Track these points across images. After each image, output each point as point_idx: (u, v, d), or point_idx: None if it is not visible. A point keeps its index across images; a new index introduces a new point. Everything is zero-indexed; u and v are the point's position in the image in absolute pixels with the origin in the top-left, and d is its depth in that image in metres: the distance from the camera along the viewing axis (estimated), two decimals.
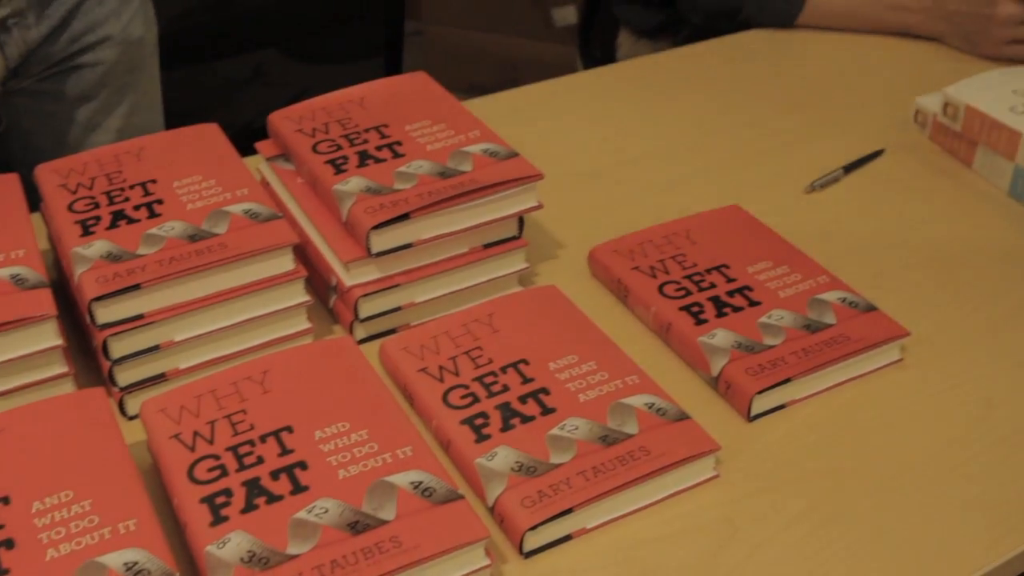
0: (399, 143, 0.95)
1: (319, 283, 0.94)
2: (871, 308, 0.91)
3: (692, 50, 1.47)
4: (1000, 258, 1.04)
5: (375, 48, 2.79)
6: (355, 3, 2.69)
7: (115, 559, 0.64)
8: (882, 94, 1.34)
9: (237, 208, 0.88)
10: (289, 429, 0.75)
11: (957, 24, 1.48)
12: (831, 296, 0.92)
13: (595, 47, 2.13)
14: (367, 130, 0.97)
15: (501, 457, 0.75)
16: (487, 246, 0.93)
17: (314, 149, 0.95)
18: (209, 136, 0.99)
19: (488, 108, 1.29)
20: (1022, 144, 1.11)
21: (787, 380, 0.83)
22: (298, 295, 0.88)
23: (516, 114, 1.29)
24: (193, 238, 0.84)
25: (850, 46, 1.47)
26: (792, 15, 1.53)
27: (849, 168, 1.17)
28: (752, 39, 1.50)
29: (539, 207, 0.93)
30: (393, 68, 2.22)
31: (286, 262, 0.86)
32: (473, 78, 3.26)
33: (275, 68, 2.73)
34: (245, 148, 1.03)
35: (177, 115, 1.90)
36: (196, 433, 0.75)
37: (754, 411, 0.84)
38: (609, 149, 1.21)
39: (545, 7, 3.08)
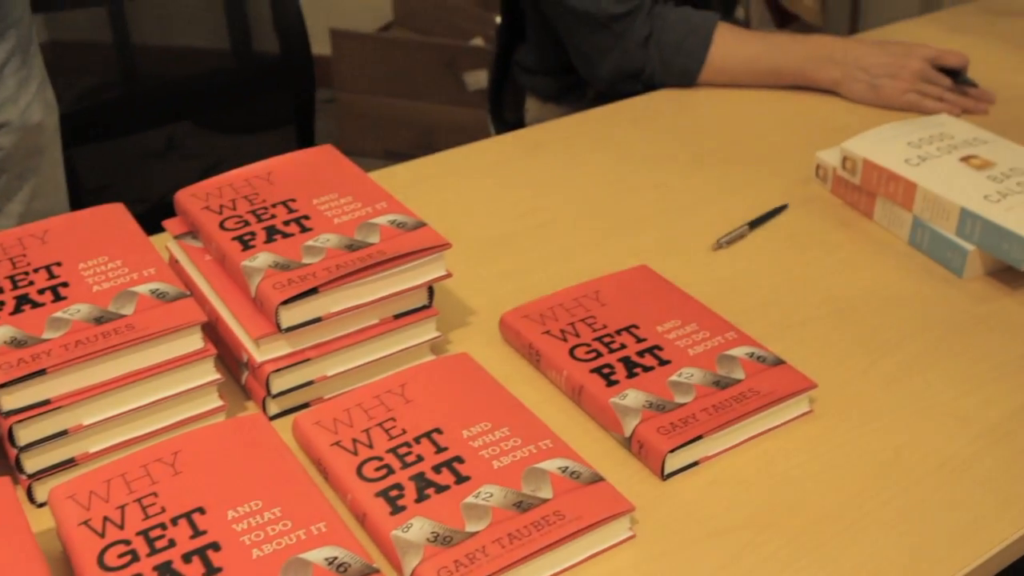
0: (307, 217, 0.95)
1: (230, 360, 0.94)
2: (779, 362, 0.93)
3: (599, 112, 1.50)
4: (902, 306, 1.07)
5: (288, 117, 2.79)
6: (266, 73, 2.70)
7: None
8: (784, 149, 1.37)
9: (144, 288, 0.87)
10: (201, 510, 0.74)
11: (865, 72, 1.51)
12: (739, 352, 0.93)
13: (506, 110, 2.15)
14: (274, 205, 0.98)
15: (416, 528, 0.75)
16: (397, 316, 0.93)
17: (221, 226, 0.95)
18: (114, 216, 0.98)
19: (401, 176, 1.30)
20: (919, 194, 1.15)
21: (699, 437, 0.84)
22: (208, 373, 0.87)
23: (429, 180, 1.30)
24: (99, 320, 0.84)
25: (752, 103, 1.51)
26: (693, 72, 1.56)
27: (754, 224, 1.19)
28: (657, 99, 1.53)
29: (448, 276, 0.94)
30: (306, 136, 2.22)
31: (195, 341, 0.86)
32: (388, 144, 3.28)
33: (188, 140, 2.72)
34: (161, 221, 1.03)
35: (90, 191, 1.89)
36: (106, 518, 0.74)
37: (667, 469, 0.84)
38: (519, 213, 1.22)
39: (457, 72, 3.12)
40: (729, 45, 1.56)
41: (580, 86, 1.87)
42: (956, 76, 1.51)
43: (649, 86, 1.58)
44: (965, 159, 1.19)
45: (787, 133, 1.42)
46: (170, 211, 1.03)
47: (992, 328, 1.04)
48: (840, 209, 1.24)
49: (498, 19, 2.08)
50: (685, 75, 1.57)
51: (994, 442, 0.89)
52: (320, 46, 3.27)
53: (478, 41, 3.15)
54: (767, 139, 1.41)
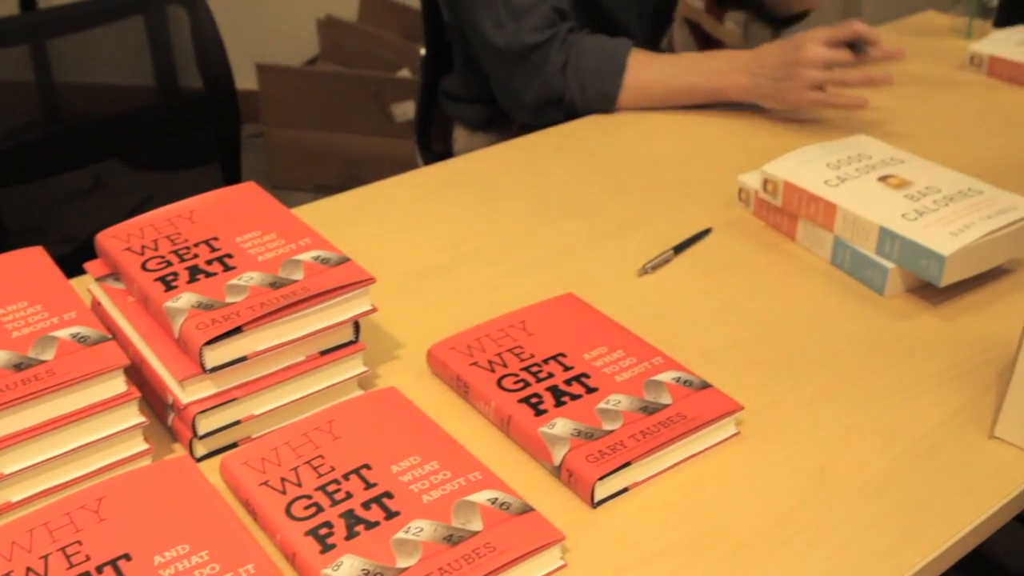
0: (229, 256, 0.95)
1: (156, 402, 0.93)
2: (705, 385, 0.94)
3: (524, 141, 1.51)
4: (826, 325, 1.08)
5: (214, 153, 2.77)
6: (191, 109, 2.68)
7: None
8: (707, 173, 1.39)
9: (64, 333, 0.86)
10: (127, 557, 0.73)
11: (766, 76, 1.54)
12: (666, 376, 0.94)
13: (434, 141, 2.15)
14: (197, 244, 0.97)
15: (347, 567, 0.75)
16: (324, 353, 0.93)
17: (143, 267, 0.94)
18: (33, 260, 0.97)
19: (328, 210, 1.30)
20: (839, 215, 1.16)
21: (627, 464, 0.85)
22: (132, 417, 0.86)
23: (355, 214, 1.29)
24: (19, 367, 0.82)
25: (675, 128, 1.53)
26: (611, 97, 1.58)
27: (679, 248, 1.20)
28: (581, 127, 1.54)
29: (373, 311, 0.94)
30: (233, 172, 2.21)
31: (118, 384, 0.85)
32: (318, 177, 3.27)
33: (115, 178, 2.68)
34: (90, 260, 1.02)
35: (16, 233, 1.86)
36: (29, 570, 0.73)
37: (597, 497, 0.85)
38: (445, 244, 1.23)
39: (384, 104, 3.12)
40: (644, 67, 1.59)
41: (507, 114, 1.88)
42: (856, 48, 1.52)
43: (571, 114, 1.60)
44: (883, 179, 1.21)
45: (709, 157, 1.44)
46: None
47: (914, 344, 1.06)
48: (763, 231, 1.26)
49: (423, 51, 2.08)
50: (604, 99, 1.59)
51: (917, 457, 0.91)
52: (246, 81, 3.26)
53: (405, 73, 3.16)
54: (690, 163, 1.42)
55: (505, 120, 1.89)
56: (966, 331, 1.08)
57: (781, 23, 2.00)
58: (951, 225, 1.12)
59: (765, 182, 1.25)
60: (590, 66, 1.58)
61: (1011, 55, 1.72)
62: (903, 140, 1.47)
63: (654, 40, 1.96)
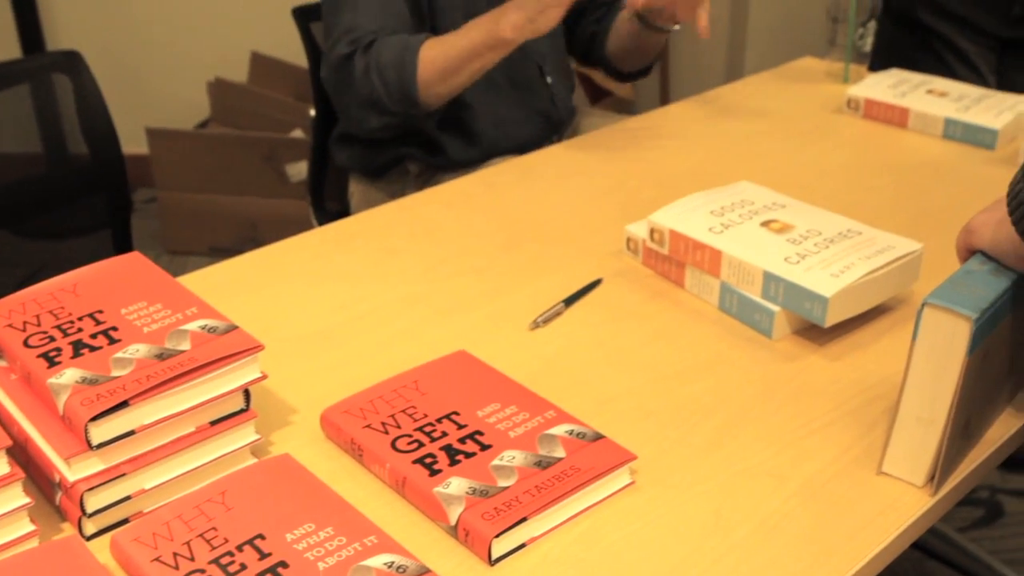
0: (114, 328, 0.93)
1: (43, 481, 0.91)
2: (598, 437, 0.94)
3: (415, 199, 1.52)
4: (716, 371, 1.10)
5: (104, 220, 2.73)
6: (80, 176, 2.64)
7: None
8: (596, 224, 1.41)
9: None
10: None
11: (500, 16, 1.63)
12: (559, 430, 0.95)
13: (328, 201, 2.15)
14: (81, 318, 0.95)
15: None
16: (214, 423, 0.92)
17: (26, 343, 0.92)
18: None
19: (219, 276, 1.29)
20: (724, 261, 1.19)
21: (523, 520, 0.85)
22: (17, 498, 0.84)
23: (250, 278, 1.28)
24: None
25: (562, 180, 1.55)
26: (411, 81, 1.67)
27: (569, 301, 1.21)
28: (470, 183, 1.56)
29: (263, 378, 0.93)
30: (124, 238, 2.18)
31: (1, 465, 0.83)
32: (213, 240, 3.24)
33: (5, 249, 2.63)
34: None
35: None
36: None
37: (495, 555, 0.85)
38: (338, 306, 1.22)
39: (278, 164, 3.11)
40: (432, 45, 1.68)
41: (400, 160, 1.89)
42: None
43: (391, 112, 1.71)
44: (765, 223, 1.24)
45: (597, 207, 1.46)
46: None
47: (802, 385, 1.08)
48: (652, 280, 1.27)
49: (312, 112, 2.09)
50: (403, 86, 1.68)
51: (809, 497, 0.93)
52: (138, 145, 3.23)
53: (297, 133, 3.15)
54: (577, 215, 1.44)
55: (399, 168, 1.90)
56: (852, 370, 1.11)
57: (626, 76, 2.07)
58: (832, 267, 1.15)
59: (652, 231, 1.27)
60: (389, 61, 1.67)
61: (886, 98, 1.78)
62: (785, 183, 1.50)
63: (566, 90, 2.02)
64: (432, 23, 1.80)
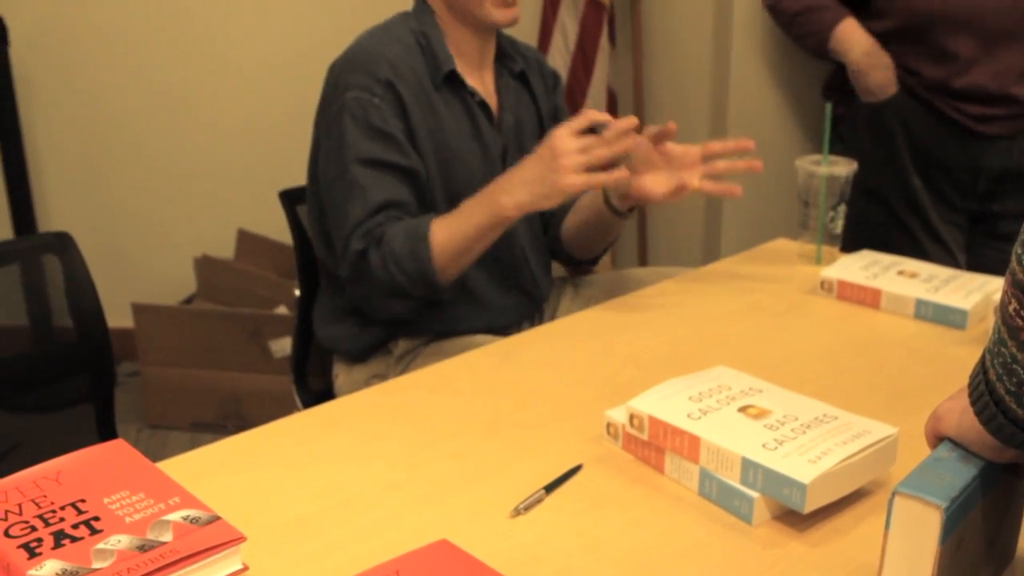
0: (96, 518, 0.94)
1: None
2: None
3: (397, 383, 1.53)
4: (697, 557, 1.10)
5: (86, 395, 2.73)
6: (64, 354, 2.66)
7: None
8: (575, 408, 1.42)
9: None
10: None
11: (533, 182, 1.67)
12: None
13: (311, 379, 2.17)
14: (63, 507, 0.96)
15: None
16: None
17: (6, 533, 0.93)
18: None
19: (201, 461, 1.29)
20: (703, 447, 1.20)
21: None
22: None
23: (229, 464, 1.29)
24: None
25: (542, 365, 1.57)
26: (428, 269, 1.74)
27: (550, 487, 1.22)
28: (451, 366, 1.57)
29: (244, 569, 0.93)
30: (106, 413, 2.18)
31: None
32: (194, 416, 3.24)
33: None
34: None
35: None
36: None
37: None
38: (319, 493, 1.23)
39: (262, 341, 3.13)
40: (440, 230, 1.74)
41: (383, 340, 1.92)
42: (596, 131, 1.69)
43: (416, 297, 1.77)
44: (743, 409, 1.26)
45: (577, 391, 1.48)
46: None
47: (783, 573, 1.08)
48: (632, 465, 1.28)
49: (297, 292, 2.12)
50: (423, 275, 1.74)
51: None
52: (123, 319, 3.26)
53: (282, 309, 3.18)
54: (558, 399, 1.46)
55: (381, 348, 1.93)
56: (832, 556, 1.11)
57: (576, 263, 2.16)
58: (810, 452, 1.16)
59: (631, 416, 1.28)
60: (403, 252, 1.73)
61: (858, 279, 1.82)
62: (761, 365, 1.53)
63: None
64: (431, 201, 1.87)
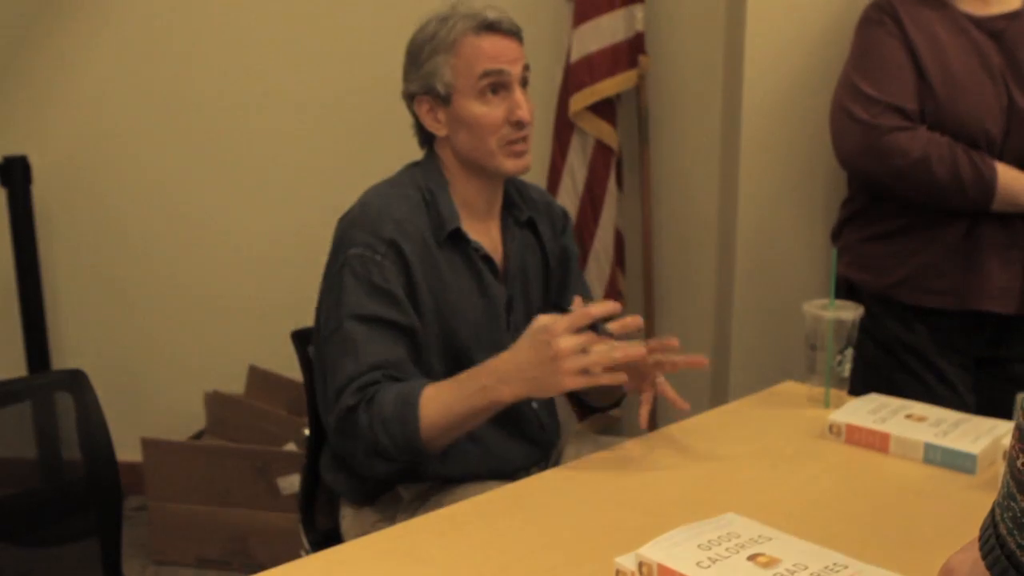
0: None
1: None
2: None
3: (407, 526, 1.54)
4: None
5: (93, 529, 2.72)
6: (73, 490, 2.66)
7: None
8: (585, 555, 1.42)
9: None
10: None
11: (532, 379, 1.67)
12: None
13: (318, 518, 2.16)
14: None
15: None
16: None
17: None
18: None
19: None
20: None
21: None
22: None
23: None
24: None
25: (550, 512, 1.57)
26: (415, 441, 1.73)
27: None
28: (461, 510, 1.58)
29: None
30: (112, 547, 2.17)
31: None
32: (201, 551, 3.22)
33: None
34: None
35: None
36: None
37: None
38: None
39: (270, 477, 3.13)
40: (430, 405, 1.73)
41: (391, 486, 1.92)
42: (596, 329, 1.69)
43: (398, 460, 1.76)
44: (752, 558, 1.26)
45: (586, 537, 1.48)
46: None
47: None
48: None
49: (306, 431, 2.13)
50: (409, 444, 1.73)
51: None
52: (131, 453, 3.25)
53: (291, 446, 3.19)
54: (568, 544, 1.45)
55: (389, 494, 1.92)
56: None
57: (595, 410, 2.16)
58: None
59: (641, 564, 1.28)
60: (391, 415, 1.72)
61: (866, 423, 1.83)
62: (770, 511, 1.52)
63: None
64: (428, 358, 1.88)
